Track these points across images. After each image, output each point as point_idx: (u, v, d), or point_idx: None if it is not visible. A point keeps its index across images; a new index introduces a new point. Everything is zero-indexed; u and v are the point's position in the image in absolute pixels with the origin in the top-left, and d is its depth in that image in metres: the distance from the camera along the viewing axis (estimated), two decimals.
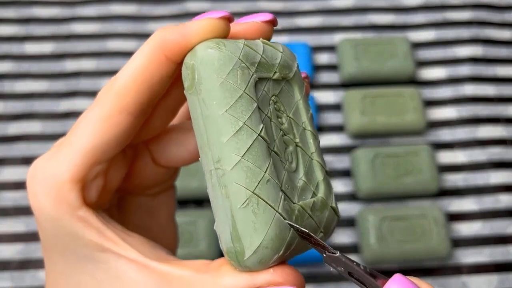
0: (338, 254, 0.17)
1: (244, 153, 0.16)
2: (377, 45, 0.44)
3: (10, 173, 0.40)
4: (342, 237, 0.39)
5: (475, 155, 0.41)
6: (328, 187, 0.18)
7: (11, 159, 0.41)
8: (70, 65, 0.45)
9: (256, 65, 0.17)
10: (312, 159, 0.18)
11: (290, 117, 0.18)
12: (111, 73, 0.44)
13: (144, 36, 0.46)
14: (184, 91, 0.17)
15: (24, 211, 0.39)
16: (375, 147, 0.40)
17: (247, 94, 0.16)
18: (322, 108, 0.43)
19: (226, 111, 0.16)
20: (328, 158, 0.41)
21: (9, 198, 0.39)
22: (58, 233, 0.18)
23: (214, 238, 0.37)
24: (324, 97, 0.44)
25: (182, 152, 0.21)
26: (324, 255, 0.17)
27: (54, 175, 0.18)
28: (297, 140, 0.18)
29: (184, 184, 0.38)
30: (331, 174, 0.41)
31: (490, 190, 0.40)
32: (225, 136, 0.16)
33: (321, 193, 0.18)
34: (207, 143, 0.16)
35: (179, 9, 0.47)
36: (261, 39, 0.18)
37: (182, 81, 0.17)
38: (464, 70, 0.45)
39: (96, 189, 0.19)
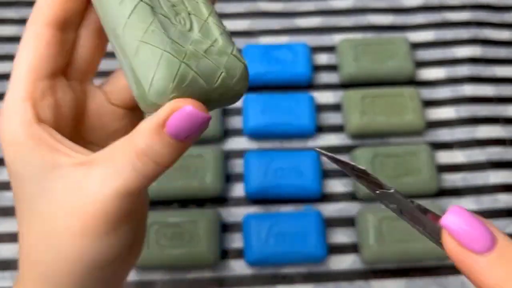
0: (393, 190, 0.17)
1: (129, 15, 0.18)
2: (376, 46, 0.44)
3: None
4: (341, 236, 0.39)
5: (474, 155, 0.42)
6: (228, 40, 0.20)
7: None
8: None
9: None
10: (207, 22, 0.20)
11: None
12: (111, 73, 0.44)
13: None
14: None
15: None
16: (375, 147, 0.40)
17: None
18: (321, 108, 0.43)
19: None
20: None
21: (10, 197, 0.39)
22: (15, 154, 0.19)
23: (214, 237, 0.37)
24: (323, 97, 0.44)
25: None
26: (378, 191, 0.17)
27: (9, 98, 0.20)
28: (189, 9, 0.20)
29: (184, 184, 0.38)
30: (331, 174, 0.41)
31: (489, 190, 0.40)
32: (113, 7, 0.19)
33: (218, 45, 0.19)
34: (105, 22, 0.19)
35: None
36: None
37: None
38: (463, 70, 0.45)
39: (48, 107, 0.20)
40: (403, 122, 0.41)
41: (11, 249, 0.38)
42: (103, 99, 0.24)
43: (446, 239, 0.16)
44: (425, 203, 0.40)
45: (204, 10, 0.20)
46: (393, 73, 0.43)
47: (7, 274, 0.37)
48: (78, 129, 0.23)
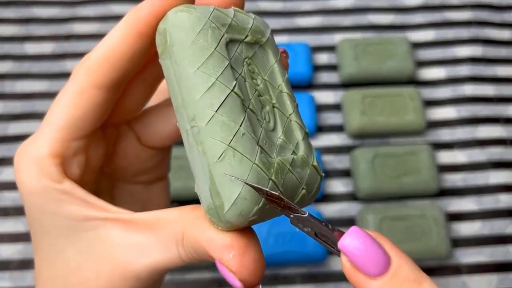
0: (307, 214, 0.16)
1: (218, 108, 0.16)
2: (376, 45, 0.44)
3: (10, 173, 0.40)
4: None
5: (474, 155, 0.41)
6: (309, 147, 0.18)
7: (11, 159, 0.41)
8: (70, 65, 0.45)
9: (227, 26, 0.17)
10: (290, 120, 0.18)
11: (265, 79, 0.18)
12: None
13: None
14: (159, 60, 0.17)
15: (25, 211, 0.39)
16: (375, 147, 0.40)
17: (219, 52, 0.16)
18: (322, 108, 0.43)
19: (198, 68, 0.16)
20: (328, 158, 0.41)
21: (9, 198, 0.39)
22: (42, 207, 0.18)
23: None
24: (324, 97, 0.44)
25: (165, 128, 0.22)
26: (291, 215, 0.16)
27: (35, 151, 0.18)
28: (274, 101, 0.18)
29: (184, 184, 0.38)
30: (331, 174, 0.41)
31: (489, 190, 0.40)
32: (198, 93, 0.16)
33: (301, 152, 0.18)
34: (182, 104, 0.16)
35: None
36: (232, 7, 0.18)
37: (157, 51, 0.17)
38: (464, 70, 0.45)
39: (78, 165, 0.19)
40: (403, 122, 0.41)
41: (11, 249, 0.38)
42: (134, 139, 0.22)
43: (343, 260, 0.16)
44: (425, 203, 0.40)
45: (289, 103, 0.18)
46: (394, 72, 0.43)
47: (6, 274, 0.37)
48: (104, 167, 0.22)
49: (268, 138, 0.17)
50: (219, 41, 0.17)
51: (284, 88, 0.18)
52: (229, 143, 0.15)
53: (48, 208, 0.18)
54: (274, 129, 0.17)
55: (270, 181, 0.16)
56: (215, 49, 0.16)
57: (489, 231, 0.39)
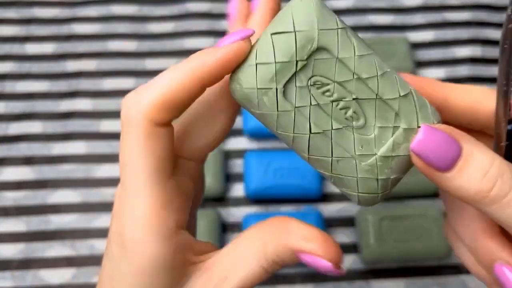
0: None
1: (308, 155, 0.18)
2: (376, 45, 0.44)
3: (11, 173, 0.40)
4: (341, 236, 0.39)
5: None
6: (410, 107, 0.18)
7: (12, 159, 0.41)
8: (71, 65, 0.45)
9: (275, 77, 0.17)
10: (379, 98, 0.18)
11: (335, 82, 0.18)
12: (111, 73, 0.45)
13: (145, 36, 0.46)
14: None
15: (25, 210, 0.39)
16: None
17: (282, 111, 0.18)
18: None
19: (277, 129, 0.18)
20: None
21: (10, 197, 0.40)
22: (154, 269, 0.18)
23: (214, 238, 0.37)
24: None
25: (204, 138, 0.21)
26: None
27: (131, 204, 0.18)
28: (354, 95, 0.18)
29: None
30: None
31: None
32: (290, 143, 0.18)
33: (403, 122, 0.18)
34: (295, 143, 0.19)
35: (179, 10, 0.48)
36: (270, 34, 0.18)
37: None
38: (463, 70, 0.45)
39: (178, 209, 0.19)
40: None
41: (12, 249, 0.38)
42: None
43: (414, 159, 0.18)
44: (425, 203, 0.40)
45: (371, 79, 0.18)
46: None
47: (7, 274, 0.37)
48: None
49: (363, 140, 0.18)
50: (276, 101, 0.17)
51: (358, 69, 0.18)
52: (331, 172, 0.18)
53: (160, 269, 0.18)
54: (365, 123, 0.18)
55: (378, 180, 0.18)
56: (277, 111, 0.18)
57: None
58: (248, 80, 0.17)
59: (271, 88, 0.17)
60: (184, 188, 0.20)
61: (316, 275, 0.37)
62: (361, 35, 0.46)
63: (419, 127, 0.18)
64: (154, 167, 0.18)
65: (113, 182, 0.40)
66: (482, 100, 0.18)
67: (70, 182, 0.40)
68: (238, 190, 0.40)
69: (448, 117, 0.20)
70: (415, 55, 0.46)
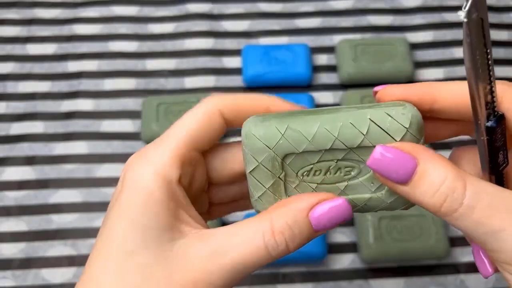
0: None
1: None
2: (375, 46, 0.44)
3: (12, 173, 0.41)
4: (341, 236, 0.39)
5: None
6: (382, 135, 0.20)
7: (13, 158, 0.41)
8: (72, 66, 0.45)
9: (275, 196, 0.21)
10: (351, 148, 0.20)
11: (314, 163, 0.20)
12: (112, 73, 0.45)
13: (145, 37, 0.47)
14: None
15: (27, 210, 0.39)
16: None
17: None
18: None
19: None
20: None
21: (12, 197, 0.40)
22: (146, 204, 0.19)
23: None
24: (323, 97, 0.44)
25: (229, 166, 0.23)
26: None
27: (156, 154, 0.20)
28: (335, 159, 0.20)
29: None
30: None
31: None
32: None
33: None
34: None
35: (180, 10, 0.48)
36: (249, 172, 0.21)
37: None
38: (462, 70, 0.45)
39: (189, 176, 0.21)
40: None
41: (13, 249, 0.38)
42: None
43: (375, 173, 0.19)
44: None
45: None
46: (392, 73, 0.43)
47: (8, 273, 0.37)
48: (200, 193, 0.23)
49: (369, 178, 0.20)
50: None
51: (319, 145, 0.20)
52: (371, 211, 0.21)
53: (154, 209, 0.19)
54: (360, 168, 0.20)
55: (399, 197, 0.20)
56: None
57: None
58: (263, 207, 0.21)
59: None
60: (195, 163, 0.21)
61: (316, 274, 0.38)
62: (360, 35, 0.47)
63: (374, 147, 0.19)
64: (195, 134, 0.21)
65: (114, 181, 0.40)
66: (466, 93, 0.19)
67: (71, 182, 0.40)
68: None
69: (439, 114, 0.21)
70: (414, 55, 0.46)
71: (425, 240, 0.37)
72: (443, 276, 0.38)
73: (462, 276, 0.38)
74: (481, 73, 0.17)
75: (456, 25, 0.47)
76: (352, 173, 0.20)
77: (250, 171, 0.20)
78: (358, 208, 0.21)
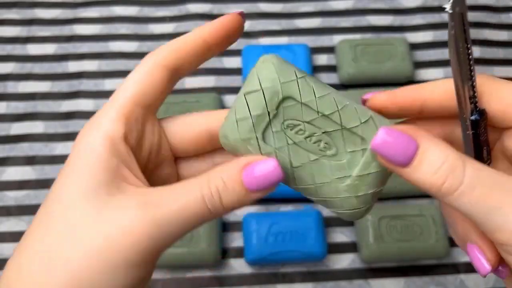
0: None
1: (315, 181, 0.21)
2: (375, 46, 0.44)
3: (13, 173, 0.41)
4: (341, 236, 0.39)
5: None
6: (372, 129, 0.20)
7: (14, 158, 0.41)
8: (73, 66, 0.45)
9: (254, 128, 0.21)
10: (343, 128, 0.21)
11: (304, 122, 0.21)
12: (113, 74, 0.45)
13: (146, 37, 0.47)
14: None
15: (27, 210, 0.39)
16: None
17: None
18: None
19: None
20: None
21: (12, 197, 0.40)
22: (91, 155, 0.20)
23: (214, 237, 0.37)
24: None
25: (188, 133, 0.23)
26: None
27: (101, 117, 0.21)
28: (322, 130, 0.21)
29: None
30: None
31: None
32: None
33: (368, 144, 0.21)
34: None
35: (180, 11, 0.48)
36: (244, 94, 0.21)
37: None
38: None
39: (136, 134, 0.21)
40: None
41: (12, 249, 0.38)
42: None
43: (378, 156, 0.19)
44: (424, 202, 0.40)
45: (332, 114, 0.21)
46: (392, 73, 0.44)
47: None
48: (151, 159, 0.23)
49: (338, 165, 0.21)
50: (259, 146, 0.21)
51: (321, 108, 0.21)
52: (318, 197, 0.21)
53: (95, 163, 0.19)
54: (337, 150, 0.21)
55: (358, 197, 0.21)
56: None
57: None
58: (233, 134, 0.21)
59: (252, 137, 0.20)
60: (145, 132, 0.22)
61: (316, 274, 0.38)
62: (360, 35, 0.47)
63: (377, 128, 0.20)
64: (138, 91, 0.21)
65: None
66: (452, 89, 0.20)
67: None
68: None
69: (430, 114, 0.22)
70: (414, 55, 0.46)
71: (425, 240, 0.37)
72: (443, 276, 0.38)
73: (462, 276, 0.38)
74: (464, 67, 0.19)
75: None
76: (328, 152, 0.21)
77: (246, 93, 0.21)
78: (310, 187, 0.21)
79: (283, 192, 0.39)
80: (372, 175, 0.21)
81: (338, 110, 0.21)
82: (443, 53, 0.46)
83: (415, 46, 0.46)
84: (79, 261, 0.18)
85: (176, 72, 0.22)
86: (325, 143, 0.21)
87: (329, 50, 0.46)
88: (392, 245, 0.37)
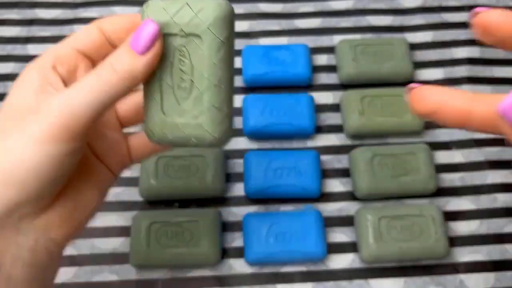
0: None
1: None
2: (375, 46, 0.44)
3: None
4: (341, 236, 0.39)
5: (472, 155, 0.42)
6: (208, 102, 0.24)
7: None
8: None
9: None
10: (201, 92, 0.24)
11: (192, 63, 0.24)
12: None
13: None
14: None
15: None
16: (374, 147, 0.41)
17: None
18: (321, 108, 0.44)
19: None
20: (327, 158, 0.42)
21: None
22: (26, 80, 0.25)
23: (214, 237, 0.37)
24: (323, 97, 0.44)
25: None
26: None
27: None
28: (192, 78, 0.24)
29: (184, 183, 0.39)
30: (330, 173, 0.41)
31: (487, 189, 0.41)
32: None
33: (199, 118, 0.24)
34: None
35: None
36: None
37: None
38: (461, 71, 0.45)
39: (67, 64, 0.25)
40: (402, 122, 0.41)
41: None
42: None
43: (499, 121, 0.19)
44: (423, 202, 0.40)
45: (201, 82, 0.24)
46: (392, 73, 0.44)
47: None
48: None
49: (178, 101, 0.24)
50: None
51: (203, 73, 0.23)
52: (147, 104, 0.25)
53: (24, 82, 0.25)
54: (187, 97, 0.24)
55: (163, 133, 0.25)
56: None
57: (486, 230, 0.39)
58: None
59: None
60: None
61: (316, 274, 0.38)
62: (360, 35, 0.47)
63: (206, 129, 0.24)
64: (77, 37, 0.26)
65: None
66: None
67: None
68: (238, 189, 0.40)
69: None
70: (414, 55, 0.46)
71: (425, 240, 0.37)
72: (442, 276, 0.38)
73: (462, 276, 0.38)
74: None
75: (456, 25, 0.47)
76: (182, 85, 0.24)
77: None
78: (171, 130, 0.24)
79: (283, 192, 0.39)
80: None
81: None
82: (443, 53, 0.46)
83: (414, 46, 0.46)
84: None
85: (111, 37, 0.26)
86: (181, 70, 0.24)
87: (329, 50, 0.46)
88: (392, 245, 0.37)
